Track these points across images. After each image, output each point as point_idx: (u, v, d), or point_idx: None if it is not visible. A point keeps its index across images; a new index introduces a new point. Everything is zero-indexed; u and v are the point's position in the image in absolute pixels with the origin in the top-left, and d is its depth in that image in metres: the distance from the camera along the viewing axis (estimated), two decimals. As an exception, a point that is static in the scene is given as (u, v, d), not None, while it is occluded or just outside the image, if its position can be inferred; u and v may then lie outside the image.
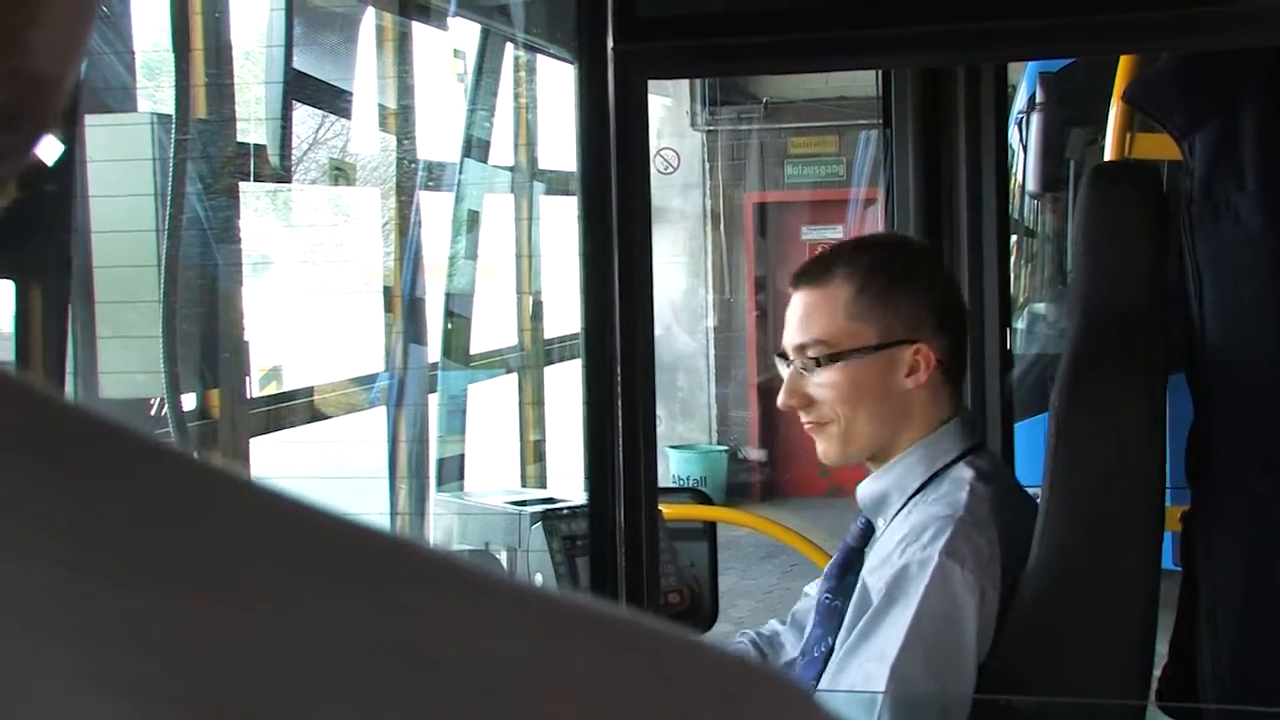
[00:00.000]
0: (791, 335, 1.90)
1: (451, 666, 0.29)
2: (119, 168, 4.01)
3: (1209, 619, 1.72)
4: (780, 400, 1.91)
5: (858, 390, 1.86)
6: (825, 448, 1.90)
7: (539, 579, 2.31)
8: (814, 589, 2.03)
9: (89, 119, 3.87)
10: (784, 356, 1.92)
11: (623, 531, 1.54)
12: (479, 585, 0.32)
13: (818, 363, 1.87)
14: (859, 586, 1.80)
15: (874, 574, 1.78)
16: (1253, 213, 1.71)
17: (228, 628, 0.27)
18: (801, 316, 1.89)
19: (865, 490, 1.92)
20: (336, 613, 0.29)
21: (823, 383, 1.87)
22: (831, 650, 1.82)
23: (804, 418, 1.90)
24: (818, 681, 1.79)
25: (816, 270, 1.91)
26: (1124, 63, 4.77)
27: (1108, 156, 5.05)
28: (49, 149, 1.84)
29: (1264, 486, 1.72)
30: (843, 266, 1.89)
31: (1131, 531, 1.73)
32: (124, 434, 0.31)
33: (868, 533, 1.93)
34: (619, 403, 1.53)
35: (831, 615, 1.88)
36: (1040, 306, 6.75)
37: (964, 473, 1.82)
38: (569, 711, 0.30)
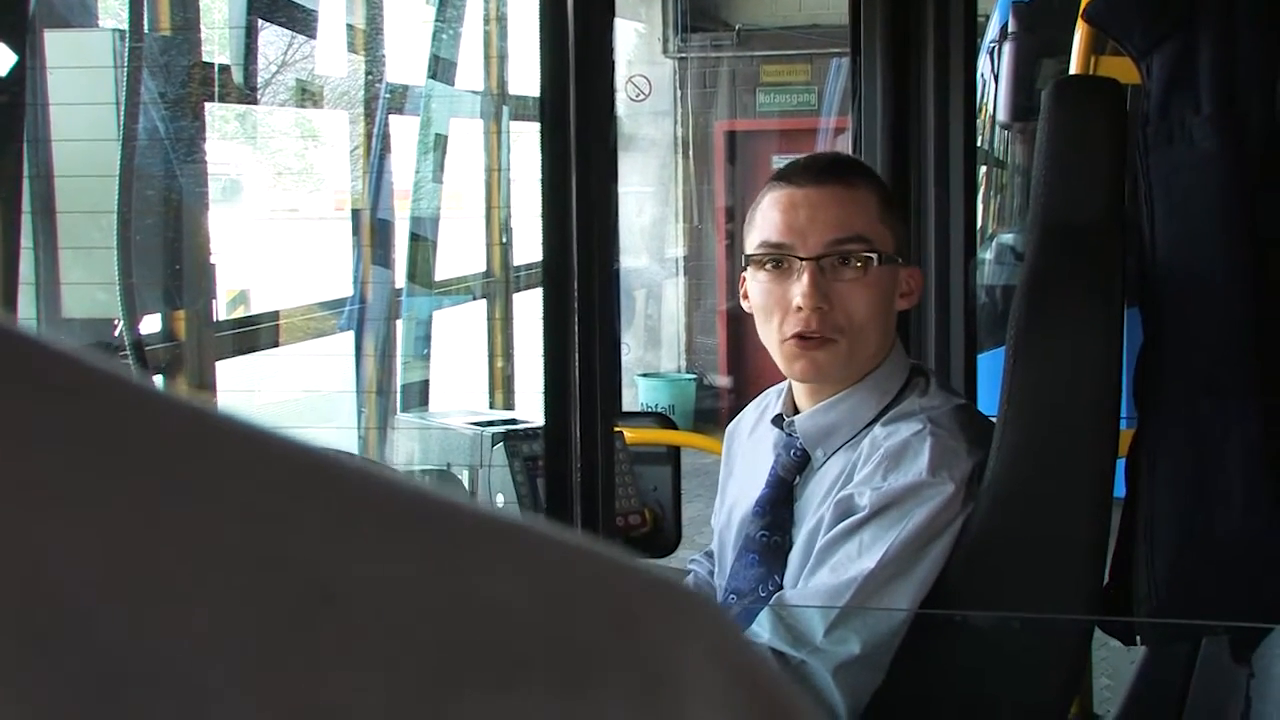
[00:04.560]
0: (821, 231, 1.74)
1: (301, 573, 0.28)
2: (82, 83, 3.96)
3: (1146, 536, 1.74)
4: (809, 302, 1.72)
5: (881, 300, 1.77)
6: (825, 362, 1.76)
7: (500, 498, 2.32)
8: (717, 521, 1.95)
9: (54, 34, 3.82)
10: (777, 257, 1.76)
11: (579, 452, 1.55)
12: (368, 499, 0.30)
13: (859, 263, 1.74)
14: (831, 505, 1.71)
15: (859, 489, 1.69)
16: (1206, 135, 1.72)
17: (76, 543, 0.26)
18: (837, 211, 1.75)
19: (812, 422, 1.80)
20: (190, 521, 0.27)
21: (854, 285, 1.75)
22: (780, 589, 1.74)
23: (809, 327, 1.74)
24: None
25: (838, 170, 1.81)
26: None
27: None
28: (1, 60, 1.81)
29: (1206, 408, 1.73)
30: (861, 173, 1.84)
31: (1085, 446, 1.73)
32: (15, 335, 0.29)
33: (802, 464, 1.81)
34: (576, 324, 1.53)
35: (774, 553, 1.78)
36: (1008, 237, 6.76)
37: (919, 395, 1.78)
38: (437, 629, 0.28)
